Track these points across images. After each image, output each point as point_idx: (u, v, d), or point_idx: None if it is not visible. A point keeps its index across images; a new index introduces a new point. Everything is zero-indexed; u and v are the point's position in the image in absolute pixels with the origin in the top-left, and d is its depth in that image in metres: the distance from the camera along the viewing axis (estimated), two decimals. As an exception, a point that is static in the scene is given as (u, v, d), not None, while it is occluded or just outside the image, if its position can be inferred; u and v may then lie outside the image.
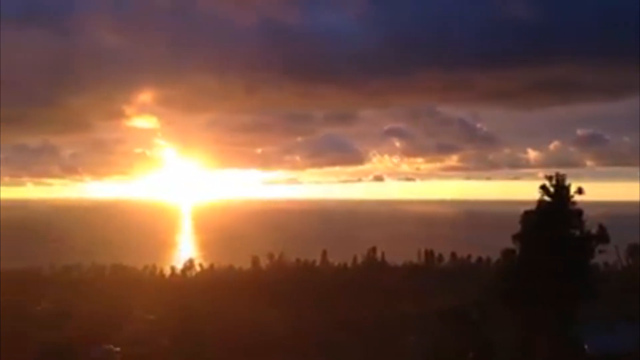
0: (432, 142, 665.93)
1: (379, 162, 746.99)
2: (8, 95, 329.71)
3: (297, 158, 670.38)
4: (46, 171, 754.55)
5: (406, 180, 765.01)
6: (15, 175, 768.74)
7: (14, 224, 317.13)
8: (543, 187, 43.64)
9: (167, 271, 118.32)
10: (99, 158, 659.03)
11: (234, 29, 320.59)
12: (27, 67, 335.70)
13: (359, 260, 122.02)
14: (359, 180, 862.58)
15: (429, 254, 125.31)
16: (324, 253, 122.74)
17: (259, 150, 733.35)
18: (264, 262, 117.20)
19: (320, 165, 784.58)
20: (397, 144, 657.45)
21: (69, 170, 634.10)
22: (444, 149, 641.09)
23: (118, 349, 59.08)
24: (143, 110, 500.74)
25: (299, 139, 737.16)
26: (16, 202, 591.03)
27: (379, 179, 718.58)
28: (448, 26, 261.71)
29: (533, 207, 43.87)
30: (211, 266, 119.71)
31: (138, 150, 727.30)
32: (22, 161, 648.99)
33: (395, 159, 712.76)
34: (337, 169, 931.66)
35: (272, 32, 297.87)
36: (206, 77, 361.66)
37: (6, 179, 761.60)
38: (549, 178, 43.73)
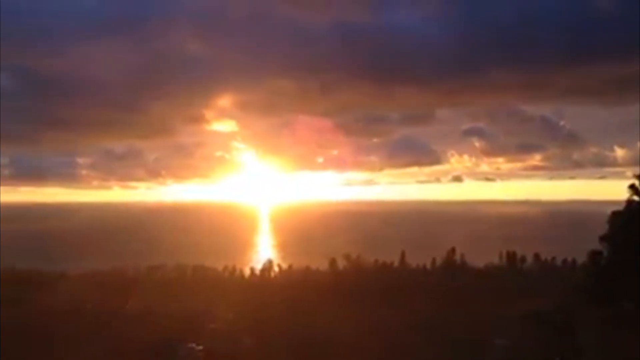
0: (513, 141, 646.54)
1: (457, 162, 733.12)
2: (95, 102, 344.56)
3: (374, 159, 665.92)
4: (131, 175, 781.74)
5: (486, 181, 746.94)
6: (103, 178, 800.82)
7: (102, 226, 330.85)
8: (632, 187, 41.70)
9: (247, 272, 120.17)
10: (180, 161, 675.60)
11: (309, 32, 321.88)
12: (112, 75, 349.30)
13: (438, 261, 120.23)
14: (437, 180, 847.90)
15: (511, 255, 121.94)
16: (403, 254, 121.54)
17: (335, 152, 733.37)
18: (341, 264, 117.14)
19: (397, 166, 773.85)
20: (477, 143, 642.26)
21: (153, 173, 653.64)
22: (526, 148, 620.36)
23: (201, 347, 60.39)
24: (222, 114, 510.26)
25: (376, 140, 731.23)
26: (104, 205, 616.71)
27: (457, 179, 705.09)
28: (528, 22, 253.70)
29: (621, 207, 41.99)
30: (289, 267, 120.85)
31: (218, 153, 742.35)
32: (108, 165, 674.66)
33: (475, 159, 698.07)
34: (415, 169, 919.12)
35: (348, 33, 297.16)
36: (283, 81, 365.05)
37: (95, 182, 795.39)
38: (638, 177, 41.74)
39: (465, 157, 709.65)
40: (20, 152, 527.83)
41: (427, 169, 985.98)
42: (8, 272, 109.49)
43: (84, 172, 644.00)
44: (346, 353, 56.57)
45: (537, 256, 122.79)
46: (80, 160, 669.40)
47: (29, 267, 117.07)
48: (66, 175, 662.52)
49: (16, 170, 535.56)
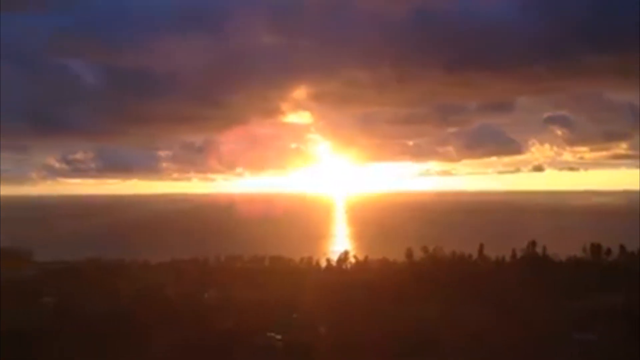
0: (598, 129, 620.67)
1: (538, 151, 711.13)
2: (175, 97, 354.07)
3: (451, 149, 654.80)
4: (209, 167, 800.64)
5: (569, 170, 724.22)
6: (182, 171, 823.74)
7: (182, 217, 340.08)
8: None
9: (323, 263, 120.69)
10: (256, 153, 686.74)
11: (385, 21, 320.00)
12: (191, 70, 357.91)
13: (519, 254, 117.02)
14: (517, 170, 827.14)
15: (596, 247, 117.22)
16: (481, 246, 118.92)
17: (411, 143, 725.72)
18: (418, 255, 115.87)
19: (475, 156, 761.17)
20: (559, 132, 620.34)
21: (230, 165, 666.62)
22: (611, 136, 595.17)
23: (279, 336, 61.05)
24: (297, 106, 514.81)
25: (453, 129, 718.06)
26: (183, 197, 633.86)
27: (538, 169, 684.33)
28: (612, 7, 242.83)
29: None
30: (365, 258, 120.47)
31: (293, 145, 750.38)
32: (187, 158, 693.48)
33: (557, 148, 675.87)
34: (494, 159, 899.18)
35: (424, 21, 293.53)
36: (358, 71, 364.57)
37: (175, 174, 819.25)
38: None
39: (547, 146, 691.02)
40: (105, 146, 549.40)
41: (507, 159, 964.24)
42: (95, 262, 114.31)
43: (164, 164, 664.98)
44: (423, 347, 55.91)
45: (622, 248, 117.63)
46: (161, 153, 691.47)
47: (115, 257, 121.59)
48: (148, 167, 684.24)
49: (102, 164, 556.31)
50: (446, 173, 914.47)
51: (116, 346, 55.74)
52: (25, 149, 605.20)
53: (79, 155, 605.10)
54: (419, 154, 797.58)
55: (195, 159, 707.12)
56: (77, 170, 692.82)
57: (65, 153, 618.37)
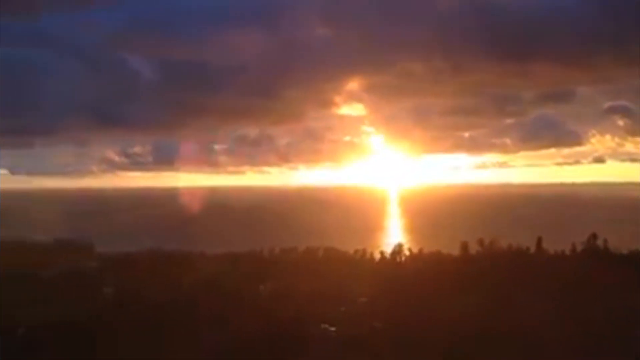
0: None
1: (598, 142, 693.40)
2: (230, 90, 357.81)
3: (508, 141, 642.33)
4: (264, 160, 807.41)
5: (631, 162, 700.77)
6: (237, 164, 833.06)
7: (238, 210, 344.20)
8: None
9: (377, 255, 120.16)
10: (310, 146, 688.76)
11: (439, 10, 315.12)
12: (246, 63, 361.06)
13: (579, 247, 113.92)
14: (577, 162, 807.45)
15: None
16: (539, 240, 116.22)
17: (466, 134, 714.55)
18: (473, 248, 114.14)
19: (533, 147, 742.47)
20: (620, 122, 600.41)
21: (284, 158, 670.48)
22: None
23: (333, 328, 61.10)
24: (351, 98, 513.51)
25: (510, 120, 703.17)
26: (238, 190, 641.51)
27: (599, 160, 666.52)
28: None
29: None
30: (420, 251, 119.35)
31: (346, 137, 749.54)
32: (242, 151, 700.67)
33: (618, 139, 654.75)
34: (552, 151, 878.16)
35: (479, 10, 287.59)
36: (412, 62, 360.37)
37: (230, 167, 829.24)
38: None
39: (608, 137, 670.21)
40: (161, 139, 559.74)
41: (566, 150, 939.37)
42: (153, 253, 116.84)
43: (219, 157, 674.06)
44: (480, 343, 54.99)
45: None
46: (217, 147, 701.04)
47: (172, 248, 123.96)
48: (203, 160, 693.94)
49: (158, 156, 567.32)
50: (503, 165, 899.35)
51: (175, 336, 56.79)
52: (86, 143, 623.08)
53: (137, 149, 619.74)
54: (474, 146, 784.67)
55: (249, 152, 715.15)
56: (135, 163, 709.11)
57: (124, 147, 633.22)
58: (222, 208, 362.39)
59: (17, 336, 56.66)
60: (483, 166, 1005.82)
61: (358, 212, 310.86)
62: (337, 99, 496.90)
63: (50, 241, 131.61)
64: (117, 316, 64.06)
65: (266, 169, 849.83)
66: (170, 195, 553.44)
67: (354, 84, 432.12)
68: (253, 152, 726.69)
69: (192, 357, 52.92)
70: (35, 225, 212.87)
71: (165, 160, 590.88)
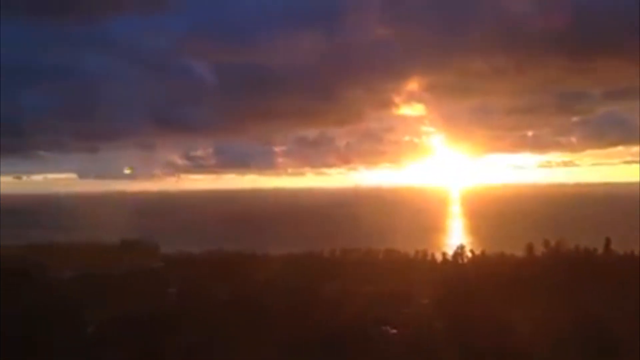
0: None
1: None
2: (290, 92, 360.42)
3: (573, 139, 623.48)
4: (324, 161, 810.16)
5: None
6: (297, 165, 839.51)
7: (298, 211, 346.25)
8: None
9: (438, 257, 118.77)
10: (370, 147, 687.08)
11: (501, 6, 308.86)
12: (305, 64, 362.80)
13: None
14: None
15: None
16: (608, 241, 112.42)
17: (530, 133, 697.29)
18: (539, 250, 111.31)
19: (600, 146, 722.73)
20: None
21: (344, 159, 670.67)
22: None
23: (394, 330, 60.64)
24: (411, 98, 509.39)
25: (575, 118, 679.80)
26: (299, 191, 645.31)
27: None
28: None
29: None
30: (482, 252, 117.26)
31: (406, 138, 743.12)
32: (302, 152, 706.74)
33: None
34: (620, 149, 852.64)
35: (541, 5, 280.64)
36: (474, 60, 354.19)
37: (290, 169, 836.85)
38: None
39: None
40: (223, 141, 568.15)
41: (635, 148, 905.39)
42: (216, 254, 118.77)
43: (279, 159, 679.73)
44: (546, 346, 53.56)
45: None
46: (277, 148, 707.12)
47: (234, 249, 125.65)
48: (264, 162, 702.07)
49: (220, 159, 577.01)
50: (568, 164, 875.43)
51: (236, 335, 57.50)
52: (151, 147, 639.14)
53: (199, 152, 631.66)
54: (538, 144, 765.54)
55: (309, 154, 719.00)
56: (198, 166, 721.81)
57: (187, 150, 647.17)
58: (282, 209, 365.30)
59: (88, 333, 58.50)
60: (547, 165, 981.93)
61: (418, 213, 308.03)
62: (397, 99, 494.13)
63: (117, 242, 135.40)
64: (182, 314, 65.39)
65: (326, 170, 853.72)
66: (231, 197, 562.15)
67: (414, 84, 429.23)
68: (313, 154, 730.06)
69: (254, 357, 53.39)
70: (103, 227, 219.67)
71: (227, 162, 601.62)
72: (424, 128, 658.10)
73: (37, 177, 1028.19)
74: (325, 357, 53.74)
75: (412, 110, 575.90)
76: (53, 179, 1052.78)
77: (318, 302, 72.95)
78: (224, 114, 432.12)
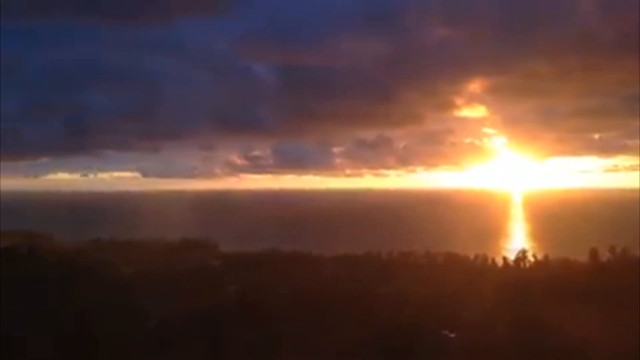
0: None
1: None
2: (348, 94, 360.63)
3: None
4: (382, 162, 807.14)
5: None
6: (355, 166, 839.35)
7: (356, 212, 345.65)
8: None
9: (499, 261, 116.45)
10: (429, 149, 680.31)
11: (566, 5, 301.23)
12: (364, 66, 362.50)
13: None
14: None
15: None
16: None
17: (597, 136, 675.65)
18: (604, 256, 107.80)
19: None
20: None
21: (403, 161, 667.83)
22: None
23: (453, 334, 59.67)
24: (472, 100, 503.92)
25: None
26: (357, 193, 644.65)
27: None
28: None
29: None
30: (545, 257, 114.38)
31: (467, 140, 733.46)
32: (360, 154, 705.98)
33: None
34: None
35: (609, 6, 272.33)
36: (538, 61, 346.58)
37: (348, 170, 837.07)
38: None
39: None
40: (282, 142, 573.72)
41: None
42: (273, 253, 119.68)
43: (338, 160, 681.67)
44: (611, 354, 51.70)
45: None
46: (335, 150, 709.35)
47: (291, 249, 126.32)
48: (322, 163, 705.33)
49: (278, 159, 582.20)
50: (637, 168, 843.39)
51: (296, 336, 57.70)
52: (211, 147, 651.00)
53: (258, 152, 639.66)
54: (605, 148, 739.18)
55: (368, 155, 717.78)
56: (256, 166, 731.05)
57: (246, 150, 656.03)
58: (340, 210, 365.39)
59: (149, 329, 59.76)
60: (614, 169, 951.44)
61: (479, 216, 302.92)
62: (458, 100, 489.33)
63: (178, 240, 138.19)
64: (241, 312, 66.12)
65: (384, 171, 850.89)
66: (290, 197, 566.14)
67: (476, 85, 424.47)
68: (372, 155, 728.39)
69: (307, 356, 53.43)
70: (164, 224, 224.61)
71: (285, 163, 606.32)
72: (486, 130, 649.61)
73: (103, 176, 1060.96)
74: (383, 358, 53.37)
75: (473, 111, 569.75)
76: (118, 178, 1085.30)
77: (375, 304, 72.49)
78: (284, 115, 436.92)
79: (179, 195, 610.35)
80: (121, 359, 50.99)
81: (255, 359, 51.67)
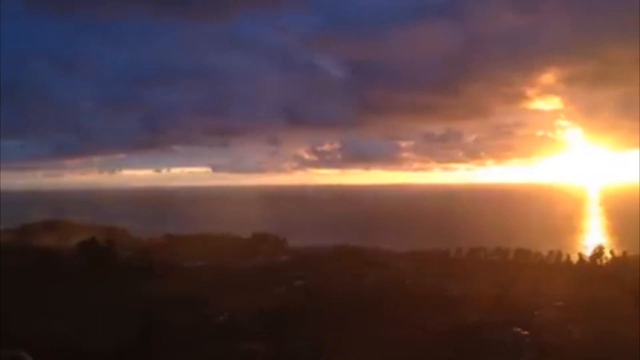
0: None
1: None
2: (416, 86, 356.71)
3: None
4: (451, 156, 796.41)
5: None
6: (423, 161, 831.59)
7: (424, 208, 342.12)
8: None
9: (574, 258, 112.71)
10: (500, 142, 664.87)
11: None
12: (431, 58, 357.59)
13: None
14: None
15: None
16: None
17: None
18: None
19: None
20: None
21: (472, 154, 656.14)
22: None
23: (526, 332, 58.02)
24: (545, 91, 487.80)
25: None
26: (424, 187, 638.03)
27: None
28: None
29: None
30: (623, 254, 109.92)
31: (539, 132, 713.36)
32: (429, 148, 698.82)
33: None
34: None
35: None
36: (617, 48, 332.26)
37: (415, 164, 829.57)
38: None
39: None
40: (349, 136, 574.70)
41: None
42: (341, 248, 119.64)
43: (405, 154, 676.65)
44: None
45: None
46: (402, 144, 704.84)
47: (358, 244, 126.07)
48: (390, 157, 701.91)
49: (346, 154, 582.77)
50: None
51: (363, 332, 57.50)
52: (279, 142, 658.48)
53: (325, 147, 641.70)
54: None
55: (436, 149, 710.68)
56: (324, 161, 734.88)
57: (313, 144, 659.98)
58: (408, 205, 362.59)
59: (219, 322, 60.74)
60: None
61: (552, 212, 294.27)
62: (530, 92, 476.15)
63: (247, 235, 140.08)
64: (309, 307, 66.37)
65: (453, 165, 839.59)
66: (357, 192, 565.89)
67: (549, 76, 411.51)
68: (440, 149, 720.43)
69: (378, 355, 53.02)
70: (234, 219, 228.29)
71: (353, 157, 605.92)
72: (559, 122, 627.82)
73: (175, 171, 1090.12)
74: (453, 357, 52.42)
75: (546, 103, 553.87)
76: (189, 173, 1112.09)
77: (443, 301, 71.43)
78: (351, 110, 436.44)
79: (248, 190, 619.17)
80: (192, 351, 51.93)
81: (321, 354, 51.58)
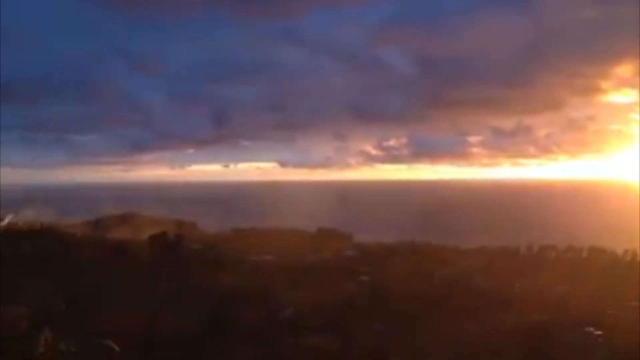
0: None
1: None
2: (484, 80, 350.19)
3: None
4: (521, 151, 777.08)
5: None
6: (492, 156, 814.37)
7: (493, 203, 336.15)
8: None
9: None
10: (572, 137, 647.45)
11: None
12: (500, 50, 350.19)
13: None
14: None
15: None
16: None
17: None
18: None
19: None
20: None
21: (543, 149, 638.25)
22: None
23: (599, 332, 56.36)
24: (620, 83, 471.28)
25: None
26: (494, 183, 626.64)
27: None
28: None
29: None
30: None
31: (613, 126, 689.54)
32: (498, 143, 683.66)
33: None
34: None
35: None
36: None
37: (484, 160, 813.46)
38: None
39: None
40: (416, 131, 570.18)
41: None
42: (407, 244, 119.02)
43: (474, 149, 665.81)
44: None
45: None
46: (471, 139, 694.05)
47: (424, 240, 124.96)
48: (457, 153, 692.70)
49: (412, 149, 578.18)
50: None
51: (422, 326, 57.18)
52: (345, 137, 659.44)
53: (392, 142, 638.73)
54: None
55: (505, 144, 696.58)
56: (390, 156, 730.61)
57: (380, 140, 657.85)
58: (476, 201, 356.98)
59: (285, 317, 61.54)
60: None
61: (627, 209, 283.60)
62: (604, 84, 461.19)
63: (313, 229, 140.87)
64: (371, 303, 66.38)
65: (523, 160, 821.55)
66: (424, 187, 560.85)
67: (625, 68, 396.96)
68: (509, 144, 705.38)
69: (443, 350, 52.58)
70: (301, 214, 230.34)
71: (419, 153, 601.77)
72: (635, 116, 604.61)
73: (243, 166, 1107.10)
74: (517, 355, 51.50)
75: (621, 96, 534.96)
76: (257, 168, 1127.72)
77: (511, 299, 70.06)
78: (418, 104, 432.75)
79: (315, 185, 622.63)
80: (259, 344, 52.85)
81: (386, 349, 51.57)
